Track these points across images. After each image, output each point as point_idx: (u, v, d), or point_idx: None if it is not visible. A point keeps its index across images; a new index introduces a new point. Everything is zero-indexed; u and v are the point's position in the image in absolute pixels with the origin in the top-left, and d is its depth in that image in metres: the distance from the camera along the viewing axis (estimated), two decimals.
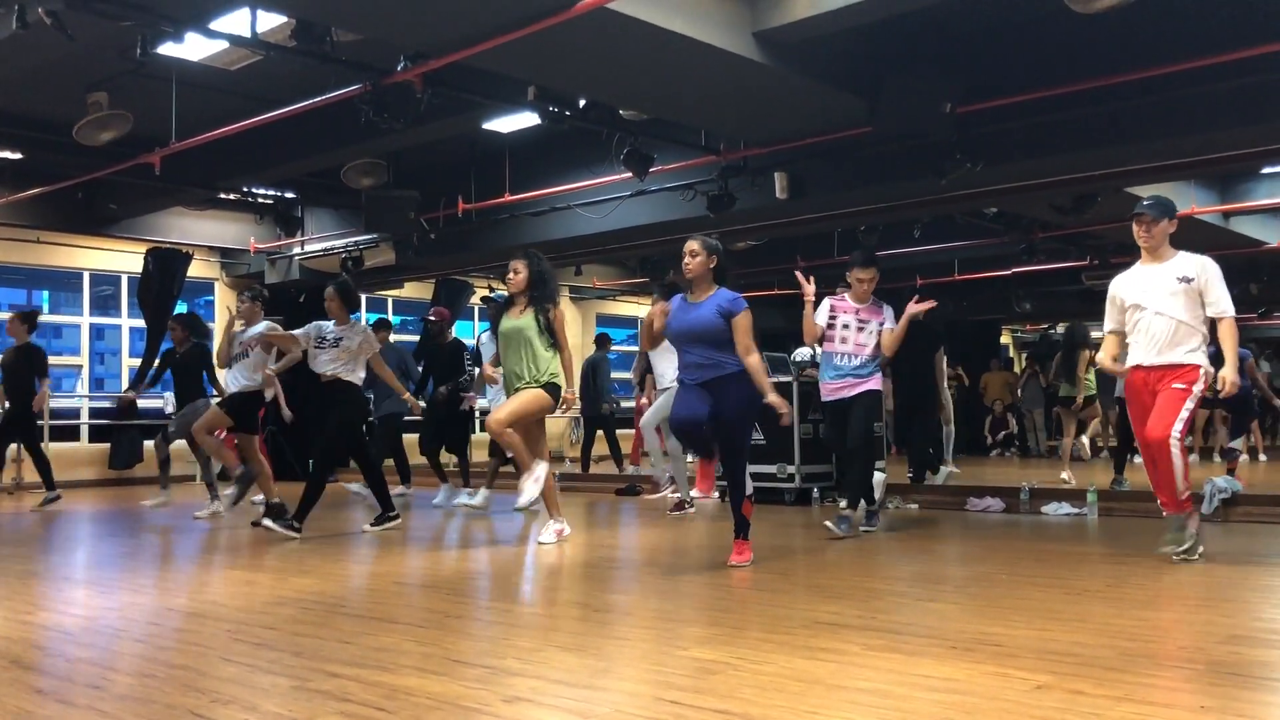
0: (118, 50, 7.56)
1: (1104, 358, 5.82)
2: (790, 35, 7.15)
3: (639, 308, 20.39)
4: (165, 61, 8.28)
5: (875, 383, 6.82)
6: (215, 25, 7.27)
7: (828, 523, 6.78)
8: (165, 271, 13.38)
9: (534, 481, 6.44)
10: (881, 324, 6.82)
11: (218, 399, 8.64)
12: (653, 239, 12.48)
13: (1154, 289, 5.49)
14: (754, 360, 5.50)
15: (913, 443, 10.18)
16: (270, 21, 7.28)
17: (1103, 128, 8.27)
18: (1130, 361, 5.62)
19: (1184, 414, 5.35)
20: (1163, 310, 5.45)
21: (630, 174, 9.79)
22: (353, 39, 7.39)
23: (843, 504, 6.93)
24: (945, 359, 10.49)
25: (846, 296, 6.93)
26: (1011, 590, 4.91)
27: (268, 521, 7.18)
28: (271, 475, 8.19)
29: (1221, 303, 5.43)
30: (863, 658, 3.49)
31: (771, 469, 9.21)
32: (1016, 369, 21.25)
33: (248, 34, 7.33)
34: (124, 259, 13.84)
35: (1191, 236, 13.26)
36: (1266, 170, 11.33)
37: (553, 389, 6.60)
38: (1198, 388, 5.39)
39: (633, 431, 13.31)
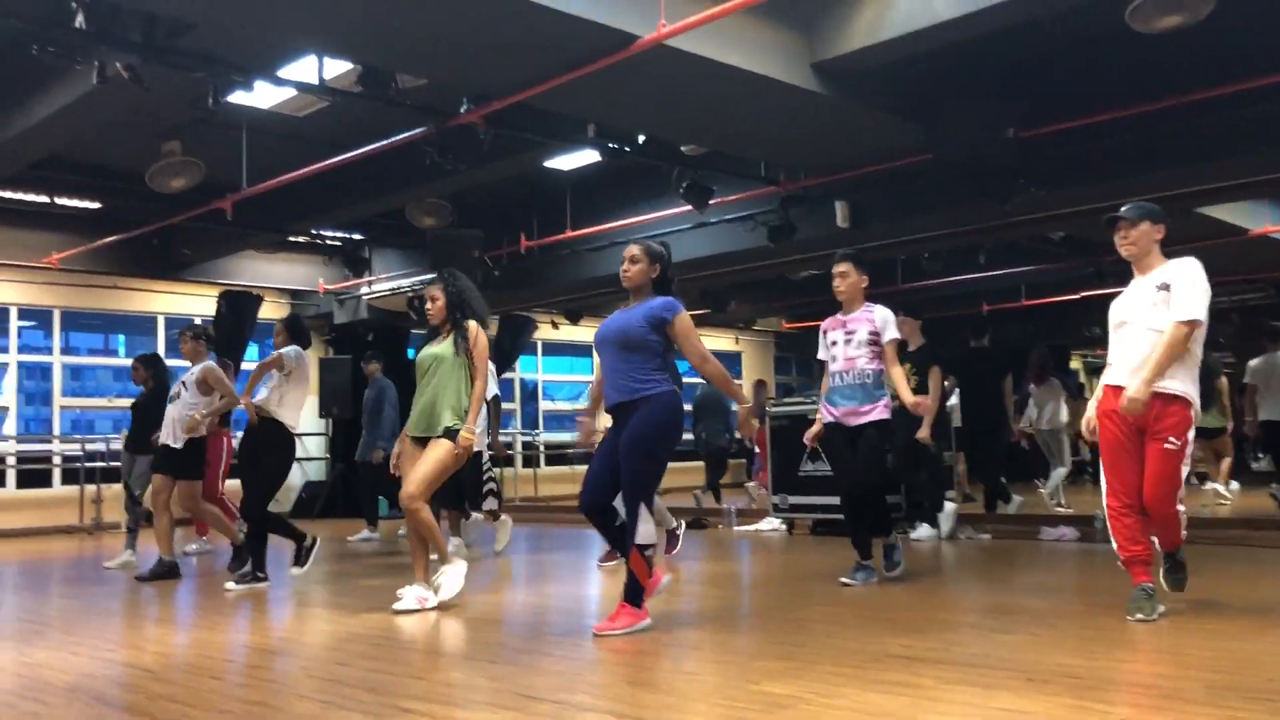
0: (190, 100, 7.78)
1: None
2: (848, 65, 7.16)
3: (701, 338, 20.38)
4: (236, 110, 8.52)
5: (882, 411, 5.86)
6: (283, 73, 7.48)
7: (843, 578, 5.94)
8: (237, 314, 13.67)
9: (456, 577, 5.54)
10: (871, 331, 5.87)
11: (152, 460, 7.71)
12: (714, 270, 12.52)
13: (1138, 302, 4.72)
14: (713, 368, 4.82)
15: (984, 471, 10.02)
16: (337, 68, 7.47)
17: (1170, 148, 8.16)
18: (1106, 378, 4.79)
19: (1182, 478, 4.56)
20: (1142, 324, 4.62)
21: (690, 207, 9.83)
22: (417, 83, 7.54)
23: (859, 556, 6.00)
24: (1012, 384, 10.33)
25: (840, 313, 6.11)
26: (1089, 621, 4.80)
27: (232, 584, 6.65)
28: (228, 517, 7.90)
29: (1182, 304, 4.49)
30: (937, 691, 3.44)
31: (834, 500, 9.10)
32: (1088, 394, 20.84)
33: (315, 81, 7.53)
34: (197, 302, 14.17)
35: (1263, 257, 13.01)
36: None
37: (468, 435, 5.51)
38: (1191, 434, 4.54)
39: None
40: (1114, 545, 4.65)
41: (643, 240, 5.09)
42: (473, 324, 5.60)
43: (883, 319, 5.91)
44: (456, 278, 5.75)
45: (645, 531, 4.54)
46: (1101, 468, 4.75)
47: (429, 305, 5.70)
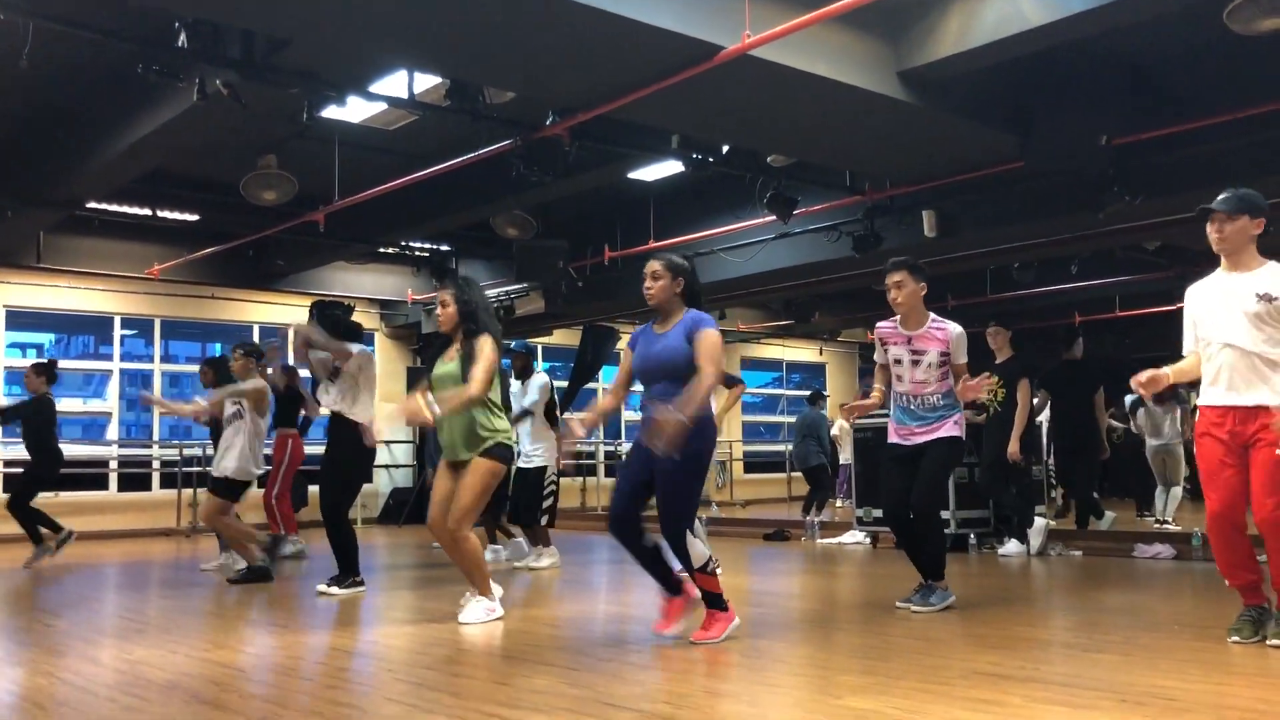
0: (285, 115, 8.00)
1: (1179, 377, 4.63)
2: (936, 73, 7.07)
3: (783, 350, 20.30)
4: (328, 124, 8.73)
5: (951, 427, 5.45)
6: (374, 88, 7.65)
7: (899, 602, 5.63)
8: (328, 323, 13.96)
9: (486, 611, 5.41)
10: (943, 354, 5.41)
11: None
12: (797, 281, 12.45)
13: (1230, 308, 4.38)
14: (704, 379, 4.50)
15: (1076, 487, 9.80)
16: (426, 83, 7.61)
17: (1271, 154, 7.90)
18: (1205, 398, 4.49)
19: None
20: (1242, 338, 4.31)
21: (774, 217, 9.80)
22: (504, 97, 7.65)
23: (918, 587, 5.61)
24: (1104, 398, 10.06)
25: (897, 321, 5.60)
26: (1185, 641, 4.66)
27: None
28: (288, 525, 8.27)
29: None
30: (1025, 710, 3.37)
31: None
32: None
33: (405, 95, 7.68)
34: (290, 312, 14.51)
35: None
36: None
37: (501, 450, 5.34)
38: None
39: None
40: (1219, 569, 4.48)
41: (663, 255, 4.88)
42: (485, 339, 5.33)
43: (957, 342, 5.43)
44: (470, 287, 5.53)
45: (698, 553, 4.59)
46: (1202, 488, 4.52)
47: (438, 310, 5.53)
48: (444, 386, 5.35)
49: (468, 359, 5.30)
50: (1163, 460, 10.57)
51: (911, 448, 5.49)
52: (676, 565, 4.70)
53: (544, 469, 8.21)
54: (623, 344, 16.42)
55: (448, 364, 5.43)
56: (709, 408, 4.61)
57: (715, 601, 4.65)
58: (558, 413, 8.53)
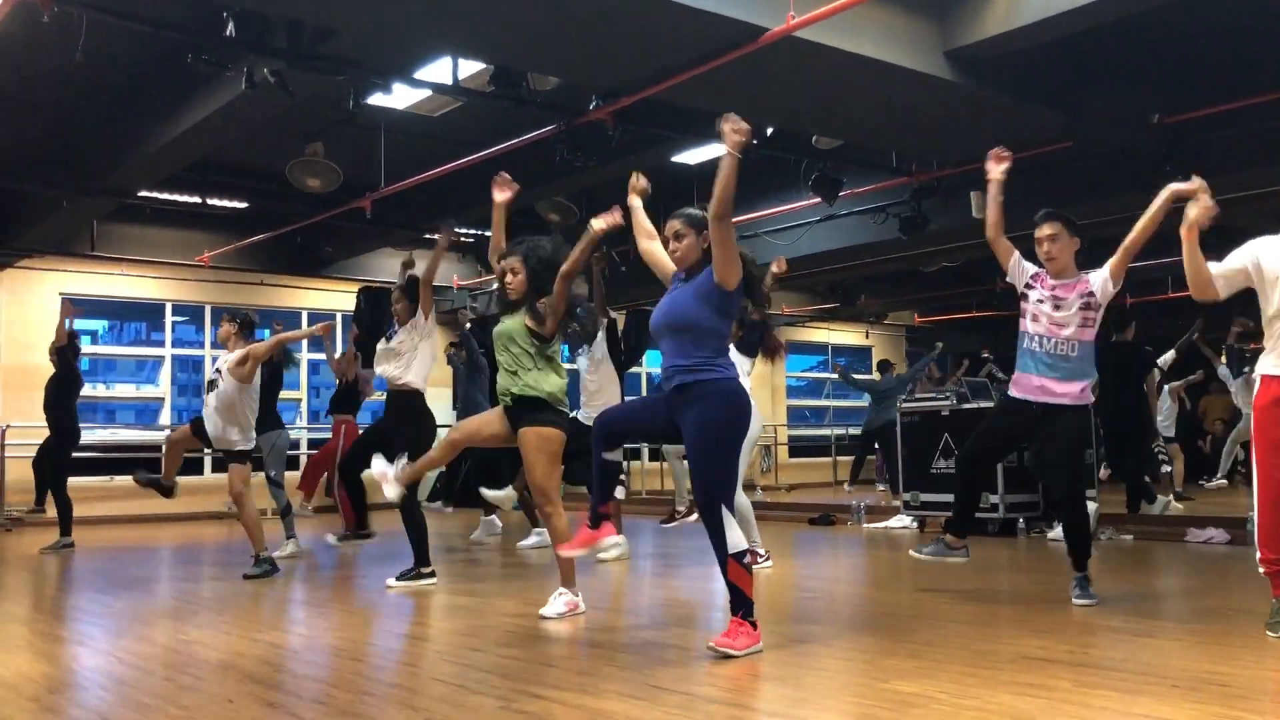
0: (331, 103, 8.08)
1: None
2: (983, 52, 6.99)
3: (829, 333, 20.19)
4: (374, 111, 8.80)
5: (1080, 393, 5.04)
6: (419, 75, 7.69)
7: (912, 550, 5.51)
8: (376, 309, 14.09)
9: (560, 604, 5.09)
10: (1087, 299, 5.04)
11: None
12: (843, 264, 12.38)
13: None
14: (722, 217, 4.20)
15: (1127, 471, 9.67)
16: (470, 69, 7.64)
17: None
18: (1265, 367, 4.30)
19: None
20: None
21: (819, 199, 9.74)
22: (547, 82, 7.67)
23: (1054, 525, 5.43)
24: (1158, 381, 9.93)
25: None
26: (1238, 627, 4.59)
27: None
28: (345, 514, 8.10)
29: None
30: (1074, 695, 3.34)
31: None
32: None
33: (449, 82, 7.72)
34: (338, 298, 14.67)
35: None
36: None
37: (549, 415, 5.12)
38: None
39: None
40: (1257, 554, 4.31)
41: (683, 211, 4.46)
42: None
43: (1100, 280, 5.04)
44: (536, 248, 5.35)
45: (734, 539, 4.03)
46: (1255, 466, 4.31)
47: (508, 278, 5.32)
48: (503, 339, 5.22)
49: (538, 313, 5.16)
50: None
51: (1037, 406, 5.03)
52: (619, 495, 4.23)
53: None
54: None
55: (513, 319, 5.25)
56: (738, 380, 4.25)
57: (742, 604, 4.05)
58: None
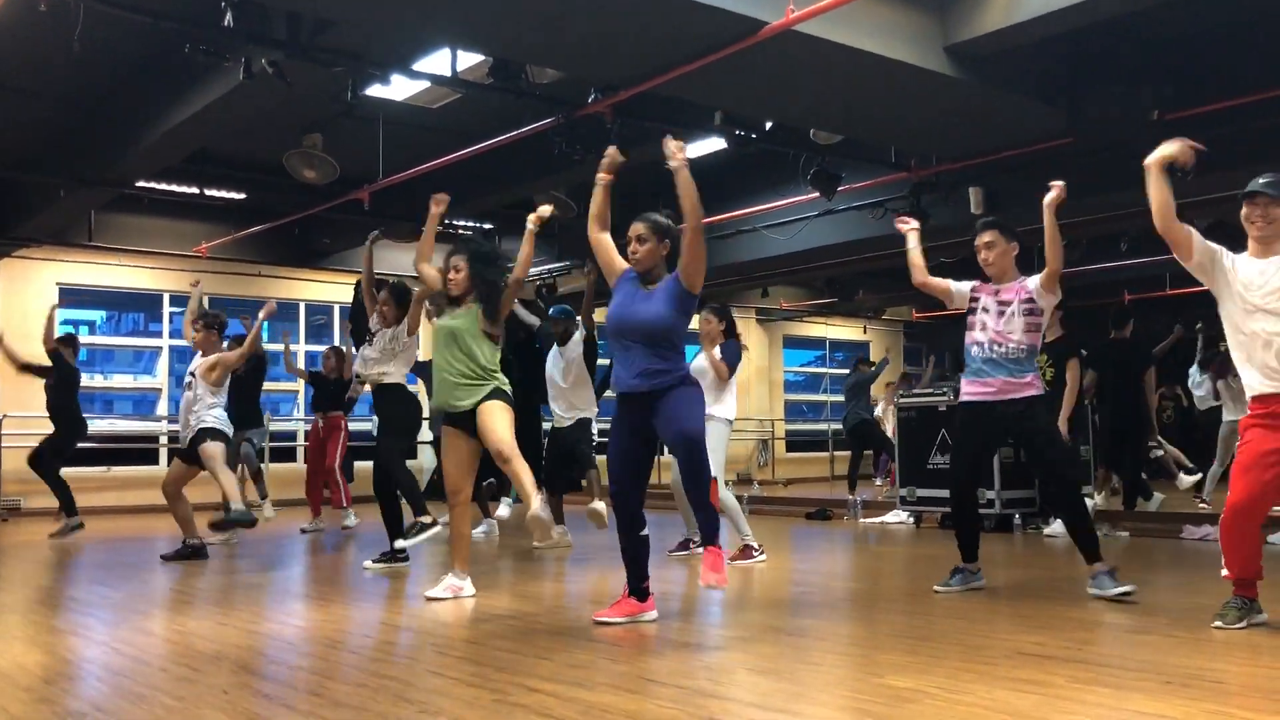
0: (330, 94, 8.06)
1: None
2: (983, 48, 6.98)
3: (826, 328, 20.19)
4: (372, 103, 8.78)
5: (1039, 384, 5.31)
6: (418, 66, 7.68)
7: (937, 586, 5.53)
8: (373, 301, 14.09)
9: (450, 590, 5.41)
10: (1029, 305, 5.25)
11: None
12: (841, 259, 12.37)
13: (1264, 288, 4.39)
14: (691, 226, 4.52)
15: (1123, 467, 9.68)
16: (469, 61, 7.63)
17: None
18: (1250, 387, 4.44)
19: None
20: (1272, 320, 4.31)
21: (818, 194, 9.74)
22: (546, 75, 7.65)
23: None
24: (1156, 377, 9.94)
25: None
26: (1232, 624, 4.59)
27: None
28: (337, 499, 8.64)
29: None
30: (1069, 691, 3.35)
31: None
32: None
33: (448, 74, 7.70)
34: (336, 290, 14.66)
35: None
36: None
37: (503, 393, 5.41)
38: None
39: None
40: (1224, 560, 4.40)
41: (648, 215, 4.66)
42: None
43: (1035, 284, 5.27)
44: (484, 262, 5.61)
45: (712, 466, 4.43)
46: (1232, 476, 4.39)
47: (451, 274, 5.57)
48: (443, 340, 5.45)
49: (476, 318, 5.41)
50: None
51: (998, 405, 5.22)
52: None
53: (588, 420, 7.90)
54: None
55: (456, 318, 5.48)
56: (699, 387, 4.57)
57: (714, 531, 4.40)
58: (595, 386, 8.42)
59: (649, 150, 9.80)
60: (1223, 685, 3.40)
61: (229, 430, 7.59)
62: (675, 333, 4.45)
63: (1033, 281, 5.31)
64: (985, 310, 5.34)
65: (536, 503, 4.96)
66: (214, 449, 7.35)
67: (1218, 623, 4.36)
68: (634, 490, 4.65)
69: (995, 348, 5.26)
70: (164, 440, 13.83)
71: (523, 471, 5.19)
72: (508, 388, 5.47)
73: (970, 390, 5.37)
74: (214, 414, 7.45)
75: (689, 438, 4.34)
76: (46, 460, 9.34)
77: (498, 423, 5.26)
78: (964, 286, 5.48)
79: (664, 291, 4.49)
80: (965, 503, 5.61)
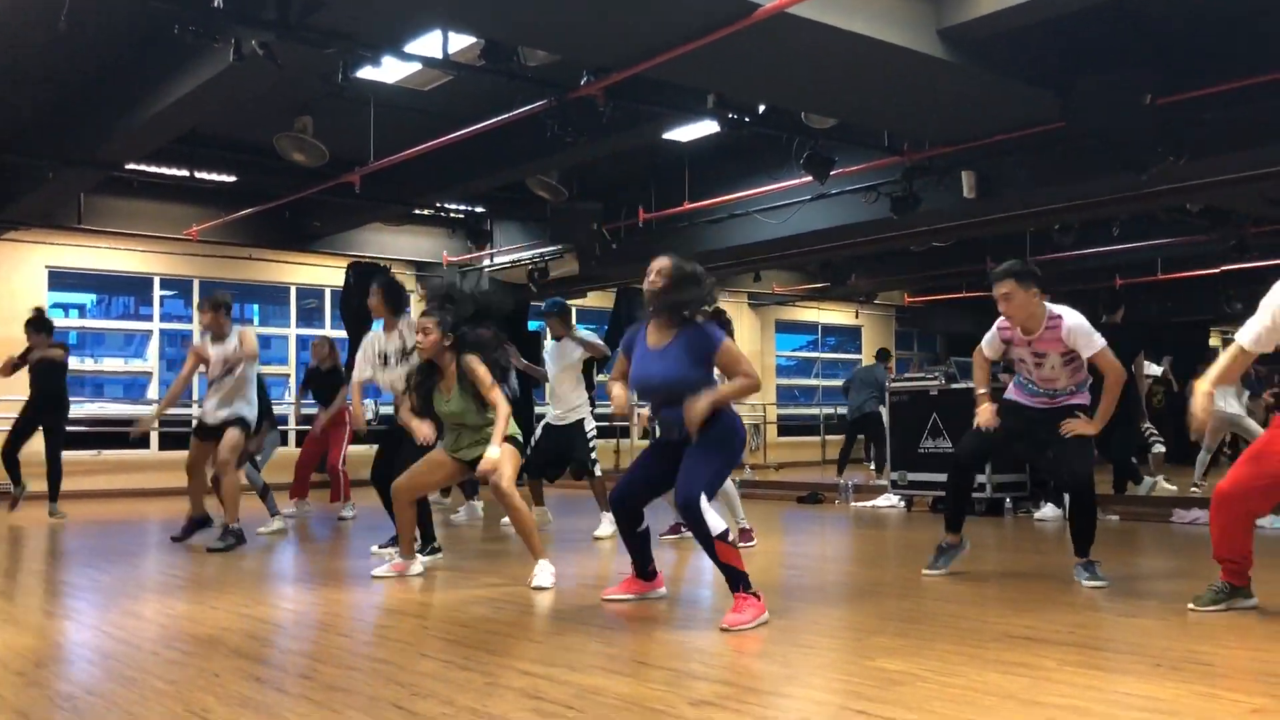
0: (320, 76, 8.00)
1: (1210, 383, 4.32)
2: (976, 31, 6.95)
3: (819, 312, 20.19)
4: (363, 85, 8.71)
5: (1080, 396, 5.23)
6: (410, 48, 7.62)
7: (926, 570, 5.56)
8: (365, 284, 14.04)
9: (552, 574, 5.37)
10: (1066, 354, 5.08)
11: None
12: (834, 243, 12.36)
13: None
14: (741, 385, 4.43)
15: (1113, 451, 9.70)
16: (460, 43, 7.58)
17: None
18: None
19: None
20: None
21: (811, 178, 9.71)
22: (538, 57, 7.61)
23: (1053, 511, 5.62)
24: (1145, 362, 9.96)
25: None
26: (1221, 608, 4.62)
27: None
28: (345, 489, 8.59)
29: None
30: (1059, 673, 3.36)
31: None
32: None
33: (439, 55, 7.65)
34: (327, 273, 14.62)
35: None
36: None
37: (510, 439, 5.35)
38: None
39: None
40: (1212, 539, 4.41)
41: (674, 256, 4.57)
42: (472, 361, 5.31)
43: (1070, 331, 5.01)
44: (448, 307, 5.39)
45: (713, 524, 4.26)
46: (1240, 459, 4.39)
47: (419, 336, 5.38)
48: (455, 425, 5.42)
49: (468, 390, 5.30)
50: (1228, 427, 10.45)
51: (1029, 410, 5.23)
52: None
53: (582, 421, 7.89)
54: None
55: (449, 402, 5.38)
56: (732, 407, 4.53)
57: (739, 580, 4.24)
58: (594, 374, 8.44)
59: (641, 133, 9.79)
60: (1212, 668, 3.41)
61: (255, 412, 7.39)
62: (703, 385, 4.40)
63: (1072, 335, 5.03)
64: (1023, 361, 5.24)
65: (542, 566, 5.29)
66: (236, 441, 7.10)
67: (1191, 604, 4.39)
68: (641, 497, 4.71)
69: (1045, 384, 5.21)
70: (155, 424, 13.77)
71: (527, 520, 5.36)
72: (518, 433, 5.45)
73: (1016, 395, 5.34)
74: (246, 400, 7.20)
75: (684, 505, 4.30)
76: (54, 446, 9.35)
77: (505, 465, 5.24)
78: (995, 343, 5.32)
79: (682, 349, 4.46)
80: (967, 480, 5.59)
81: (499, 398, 5.29)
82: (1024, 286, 5.06)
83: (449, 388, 5.38)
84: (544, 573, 5.27)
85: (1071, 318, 5.06)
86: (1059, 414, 5.17)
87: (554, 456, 8.02)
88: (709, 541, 4.25)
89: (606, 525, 7.48)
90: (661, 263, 4.52)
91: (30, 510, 9.37)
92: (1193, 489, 9.78)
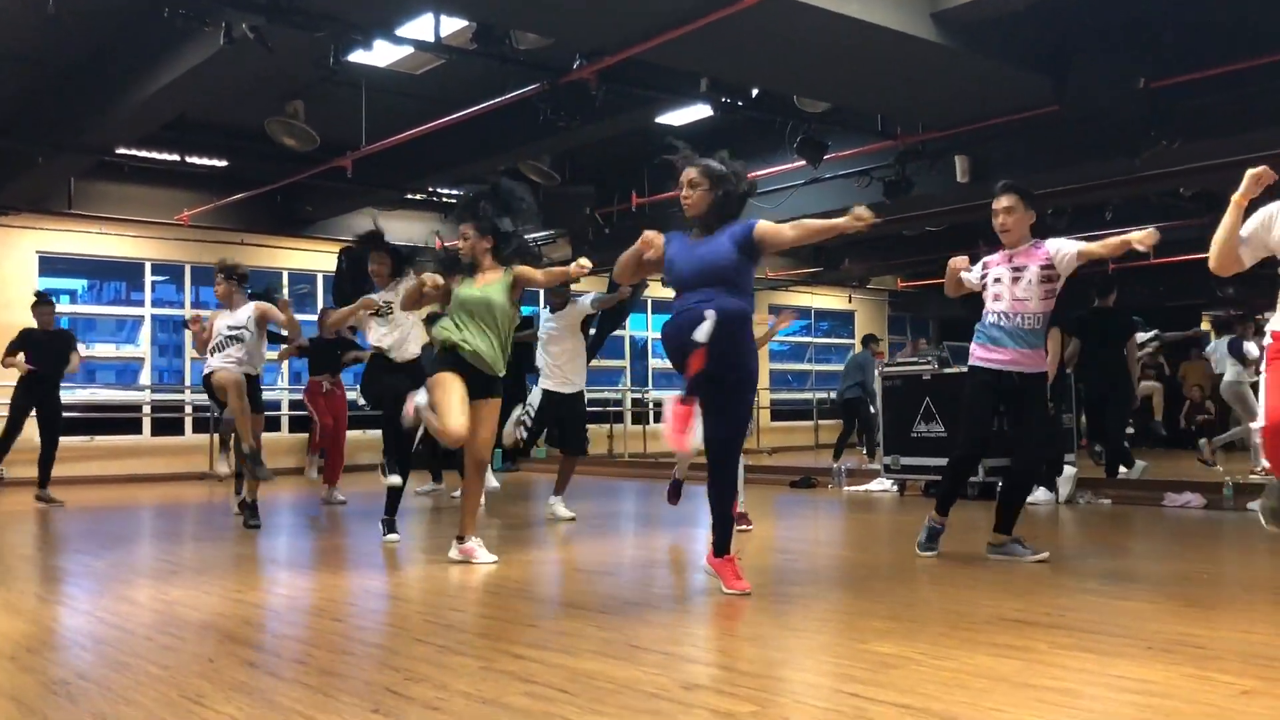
0: (312, 60, 7.97)
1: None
2: (970, 14, 6.95)
3: (812, 297, 20.19)
4: (355, 69, 8.68)
5: (1043, 358, 5.37)
6: (401, 32, 7.59)
7: (922, 550, 5.65)
8: (357, 269, 13.98)
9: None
10: (1047, 271, 5.20)
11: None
12: None
13: None
14: (808, 223, 4.49)
15: (1106, 435, 9.73)
16: (452, 26, 7.55)
17: None
18: (1273, 323, 4.37)
19: None
20: None
21: (804, 162, 9.70)
22: (531, 41, 7.58)
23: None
24: (1138, 346, 9.98)
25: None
26: (1213, 591, 4.65)
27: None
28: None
29: None
30: (1050, 656, 3.38)
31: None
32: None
33: (431, 39, 7.62)
34: (319, 258, 14.57)
35: None
36: None
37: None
38: None
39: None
40: (1264, 464, 4.42)
41: (701, 160, 4.49)
42: (522, 269, 5.53)
43: (1056, 248, 5.21)
44: (489, 218, 5.56)
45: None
46: (1266, 401, 4.20)
47: (459, 241, 5.56)
48: (472, 311, 5.40)
49: (506, 287, 5.42)
50: (1234, 395, 10.51)
51: (1008, 377, 5.23)
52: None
53: (582, 393, 7.84)
54: (650, 291, 16.45)
55: (480, 290, 5.42)
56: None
57: (729, 543, 4.52)
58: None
59: (634, 117, 9.77)
60: (1204, 650, 3.43)
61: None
62: (739, 275, 4.35)
63: (1055, 245, 5.23)
64: (999, 280, 5.29)
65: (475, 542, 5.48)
66: (243, 384, 7.17)
67: (1250, 505, 4.22)
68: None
69: (1013, 317, 5.24)
70: (147, 410, 13.77)
71: (475, 498, 5.59)
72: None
73: (982, 355, 5.33)
74: (254, 365, 7.40)
75: (730, 439, 4.40)
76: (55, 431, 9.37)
77: (494, 428, 5.40)
78: (974, 271, 5.43)
79: (725, 238, 4.40)
80: (974, 467, 5.67)
81: (548, 270, 5.63)
82: (1025, 205, 5.34)
83: (484, 280, 5.47)
84: (480, 551, 5.46)
85: (1056, 241, 5.30)
86: (1026, 381, 5.23)
87: (554, 423, 7.95)
88: (734, 491, 4.41)
89: (565, 508, 7.65)
90: (690, 174, 4.46)
91: (21, 495, 9.35)
92: (1251, 475, 9.73)
